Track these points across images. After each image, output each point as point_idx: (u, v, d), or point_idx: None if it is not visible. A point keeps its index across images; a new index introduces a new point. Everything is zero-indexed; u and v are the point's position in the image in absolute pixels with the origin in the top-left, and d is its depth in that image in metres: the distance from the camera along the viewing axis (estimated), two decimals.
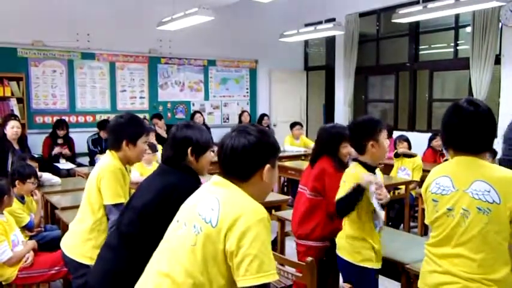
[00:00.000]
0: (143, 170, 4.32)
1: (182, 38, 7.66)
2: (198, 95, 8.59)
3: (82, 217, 2.46)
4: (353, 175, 2.41)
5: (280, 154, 5.26)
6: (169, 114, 8.19)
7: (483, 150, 1.86)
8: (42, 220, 3.91)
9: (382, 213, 2.43)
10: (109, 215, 2.35)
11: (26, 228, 3.51)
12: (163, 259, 1.52)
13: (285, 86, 9.44)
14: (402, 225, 5.00)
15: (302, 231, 2.96)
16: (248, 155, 1.51)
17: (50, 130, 6.58)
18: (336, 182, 2.84)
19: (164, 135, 6.82)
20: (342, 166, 2.89)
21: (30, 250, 3.17)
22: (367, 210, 2.40)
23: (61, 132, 6.50)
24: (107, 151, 2.50)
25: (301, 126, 7.43)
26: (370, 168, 2.47)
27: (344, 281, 2.46)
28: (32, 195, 3.85)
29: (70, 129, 6.70)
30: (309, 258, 2.33)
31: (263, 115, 8.47)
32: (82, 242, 2.39)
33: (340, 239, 2.53)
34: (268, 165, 1.54)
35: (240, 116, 8.47)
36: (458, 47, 7.14)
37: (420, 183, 4.65)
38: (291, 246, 3.34)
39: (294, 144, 7.24)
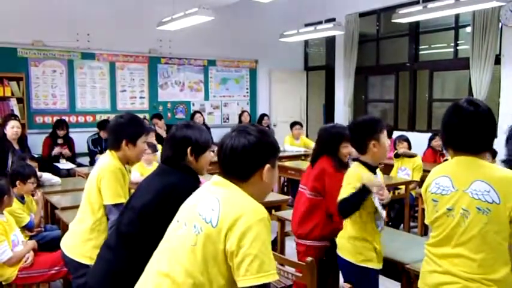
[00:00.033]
0: (143, 170, 4.32)
1: (182, 38, 7.66)
2: (198, 95, 8.59)
3: (82, 217, 2.46)
4: (356, 175, 2.40)
5: (280, 154, 5.26)
6: (169, 114, 8.19)
7: (483, 150, 1.86)
8: (42, 220, 3.91)
9: (383, 213, 2.44)
10: (109, 215, 2.35)
11: (26, 228, 3.51)
12: (163, 259, 1.52)
13: (285, 86, 9.44)
14: (402, 225, 5.00)
15: (302, 231, 2.96)
16: (248, 155, 1.51)
17: (50, 130, 6.58)
18: (336, 182, 2.83)
19: (164, 135, 6.82)
20: (342, 166, 2.90)
21: (30, 250, 3.17)
22: (369, 210, 2.40)
23: (61, 132, 6.49)
24: (107, 151, 2.50)
25: (301, 126, 7.43)
26: (371, 168, 2.47)
27: (344, 281, 2.46)
28: (33, 195, 3.85)
29: (70, 129, 6.69)
30: (309, 258, 2.33)
31: (263, 115, 8.47)
32: (82, 242, 2.39)
33: (341, 239, 2.52)
34: (268, 165, 1.54)
35: (240, 116, 8.47)
36: (458, 47, 7.14)
37: (420, 183, 4.65)
38: (291, 246, 3.35)
39: (293, 144, 7.24)
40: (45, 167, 5.18)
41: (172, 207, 1.64)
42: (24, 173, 3.62)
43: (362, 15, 8.14)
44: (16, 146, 5.03)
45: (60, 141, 6.48)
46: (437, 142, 5.83)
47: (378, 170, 2.59)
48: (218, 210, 1.43)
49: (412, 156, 5.34)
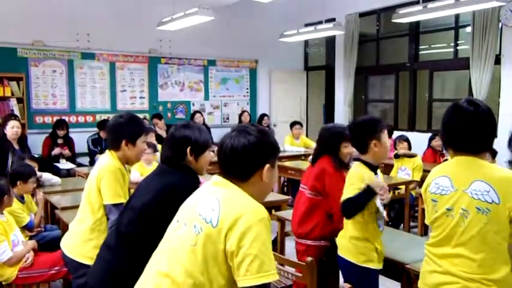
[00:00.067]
0: (143, 170, 4.32)
1: (182, 38, 7.66)
2: (198, 95, 8.59)
3: (82, 217, 2.46)
4: (359, 175, 2.39)
5: (280, 154, 5.26)
6: (169, 114, 8.19)
7: (483, 150, 1.86)
8: (42, 220, 3.91)
9: (384, 213, 2.44)
10: (109, 215, 2.35)
11: (26, 228, 3.51)
12: (163, 259, 1.52)
13: (285, 86, 9.44)
14: (402, 225, 5.00)
15: (302, 231, 2.96)
16: (248, 155, 1.51)
17: (50, 130, 6.58)
18: (336, 181, 2.84)
19: (164, 135, 6.82)
20: (343, 166, 2.90)
21: (30, 250, 3.17)
22: (371, 210, 2.40)
23: (61, 132, 6.49)
24: (106, 151, 2.50)
25: (301, 125, 7.43)
26: (373, 168, 2.47)
27: (345, 281, 2.45)
28: (33, 195, 3.85)
29: (70, 129, 6.69)
30: (309, 258, 2.34)
31: (263, 115, 8.47)
32: (82, 242, 2.39)
33: (342, 239, 2.52)
34: (267, 165, 1.54)
35: (240, 116, 8.47)
36: (458, 47, 7.14)
37: (420, 183, 4.65)
38: (291, 246, 3.35)
39: (294, 144, 7.24)
40: (45, 167, 5.18)
41: (172, 207, 1.64)
42: (25, 173, 3.62)
43: (362, 15, 8.14)
44: (16, 146, 5.03)
45: (60, 141, 6.48)
46: (437, 142, 5.83)
47: (378, 170, 2.59)
48: (218, 210, 1.43)
49: (412, 156, 5.34)
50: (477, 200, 1.75)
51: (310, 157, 5.99)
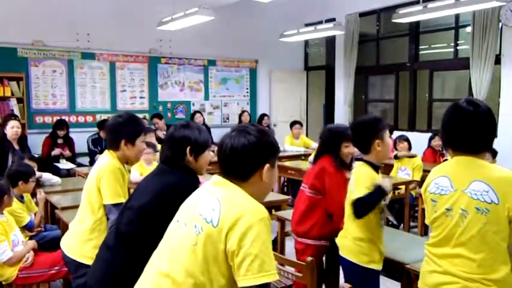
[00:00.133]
0: (143, 170, 4.32)
1: (182, 38, 7.66)
2: (198, 95, 8.59)
3: (82, 217, 2.46)
4: (369, 175, 2.39)
5: (280, 154, 5.26)
6: (169, 114, 8.19)
7: (483, 150, 1.86)
8: (42, 220, 3.91)
9: (389, 214, 2.46)
10: (109, 215, 2.35)
11: (26, 228, 3.51)
12: (164, 259, 1.52)
13: (285, 86, 9.44)
14: (402, 225, 5.00)
15: (301, 229, 2.97)
16: (248, 154, 1.51)
17: (50, 130, 6.57)
18: (336, 181, 2.84)
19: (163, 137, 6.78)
20: (343, 166, 2.90)
21: (30, 250, 3.17)
22: (376, 211, 2.40)
23: (61, 133, 6.49)
24: (106, 150, 2.50)
25: (301, 125, 7.42)
26: (375, 168, 2.47)
27: (346, 282, 2.45)
28: (33, 195, 3.85)
29: (70, 129, 6.69)
30: (309, 258, 2.34)
31: (263, 115, 8.47)
32: (82, 242, 2.39)
33: (344, 240, 2.51)
34: (267, 165, 1.54)
35: (240, 116, 8.47)
36: (458, 47, 7.14)
37: (420, 183, 4.65)
38: (291, 246, 3.34)
39: (294, 143, 7.24)
40: (45, 167, 5.18)
41: (172, 207, 1.63)
42: (26, 173, 3.62)
43: (362, 15, 8.14)
44: (16, 146, 5.03)
45: (60, 141, 6.48)
46: (437, 142, 5.84)
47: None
48: (219, 210, 1.43)
49: (412, 156, 5.34)
50: (476, 200, 1.75)
51: (311, 157, 6.03)
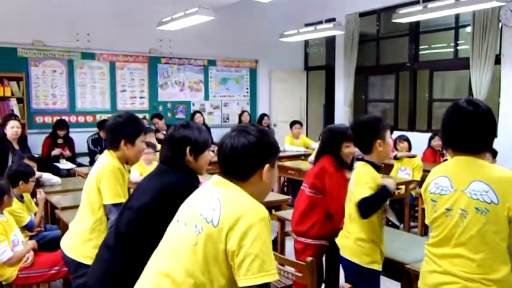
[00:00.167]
0: (143, 170, 4.31)
1: (182, 38, 7.66)
2: (198, 95, 8.59)
3: (82, 217, 2.46)
4: (372, 175, 2.39)
5: (280, 154, 5.26)
6: (169, 114, 8.19)
7: (482, 150, 1.86)
8: (42, 220, 3.91)
9: (393, 216, 2.47)
10: (109, 215, 2.35)
11: (27, 228, 3.51)
12: (164, 259, 1.52)
13: (285, 86, 9.44)
14: (402, 225, 5.00)
15: (300, 229, 2.97)
16: (248, 154, 1.51)
17: (50, 130, 6.57)
18: (336, 181, 2.85)
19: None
20: (344, 166, 2.90)
21: (30, 250, 3.17)
22: (378, 211, 2.40)
23: (61, 133, 6.49)
24: (105, 150, 2.50)
25: (301, 125, 7.43)
26: (377, 168, 2.47)
27: (346, 281, 2.45)
28: (33, 195, 3.85)
29: (70, 129, 6.69)
30: (309, 258, 2.34)
31: (263, 115, 8.47)
32: (82, 242, 2.39)
33: (346, 240, 2.51)
34: (267, 165, 1.54)
35: (240, 116, 8.47)
36: (458, 47, 7.14)
37: (420, 183, 4.65)
38: (291, 246, 3.34)
39: (294, 143, 7.24)
40: (45, 167, 5.18)
41: (172, 207, 1.63)
42: (26, 172, 3.62)
43: (362, 15, 8.14)
44: (16, 146, 5.03)
45: (60, 141, 6.48)
46: (437, 142, 5.84)
47: None
48: (219, 210, 1.43)
49: (412, 156, 5.34)
50: (476, 200, 1.75)
51: (311, 157, 6.03)
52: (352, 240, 2.45)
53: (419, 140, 6.16)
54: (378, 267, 2.42)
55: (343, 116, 8.52)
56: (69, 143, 6.59)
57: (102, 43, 7.39)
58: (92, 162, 6.34)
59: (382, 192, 2.32)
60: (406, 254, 2.59)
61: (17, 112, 6.50)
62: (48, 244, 3.42)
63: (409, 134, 5.89)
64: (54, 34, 6.96)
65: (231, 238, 1.38)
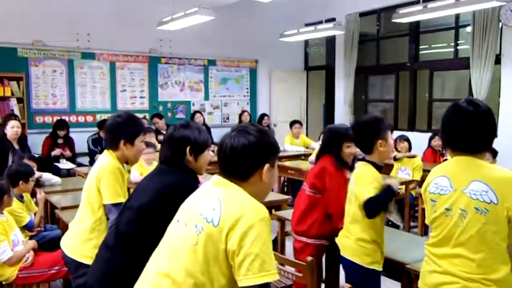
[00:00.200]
0: (143, 170, 4.31)
1: (182, 37, 7.66)
2: (198, 95, 8.59)
3: (82, 217, 2.46)
4: (375, 175, 2.40)
5: (280, 154, 5.26)
6: (169, 114, 8.19)
7: (482, 150, 1.86)
8: (42, 220, 3.91)
9: (397, 216, 2.47)
10: (108, 215, 2.35)
11: (27, 228, 3.51)
12: (164, 259, 1.52)
13: (285, 86, 9.44)
14: (402, 225, 5.00)
15: (300, 228, 2.97)
16: (248, 154, 1.51)
17: (50, 130, 6.58)
18: (336, 181, 2.85)
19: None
20: (344, 166, 2.90)
21: (30, 250, 3.17)
22: (382, 212, 2.40)
23: (61, 133, 6.49)
24: (105, 150, 2.50)
25: (301, 124, 7.42)
26: (378, 168, 2.47)
27: (347, 281, 2.45)
28: (33, 195, 3.85)
29: (70, 129, 6.69)
30: (309, 258, 2.34)
31: (263, 115, 8.47)
32: (82, 242, 2.39)
33: (347, 240, 2.51)
34: (267, 165, 1.54)
35: (240, 115, 8.47)
36: (458, 47, 7.13)
37: (420, 183, 4.65)
38: (291, 246, 3.34)
39: (294, 143, 7.24)
40: (45, 167, 5.19)
41: (172, 207, 1.64)
42: (26, 172, 3.62)
43: (362, 15, 8.14)
44: (16, 146, 5.03)
45: (60, 141, 6.48)
46: (437, 142, 5.84)
47: None
48: (219, 210, 1.43)
49: (412, 157, 5.34)
50: (475, 200, 1.75)
51: (311, 157, 6.03)
52: (353, 240, 2.45)
53: (419, 140, 6.16)
54: (379, 267, 2.43)
55: (343, 116, 8.51)
56: (69, 143, 6.59)
57: (102, 43, 7.39)
58: (92, 162, 6.34)
59: (387, 192, 2.33)
60: (406, 254, 2.59)
61: (17, 112, 6.50)
62: (48, 244, 3.42)
63: (409, 134, 5.89)
64: (54, 34, 6.96)
65: (232, 238, 1.38)
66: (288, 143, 7.22)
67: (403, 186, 5.01)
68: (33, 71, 6.94)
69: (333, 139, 2.99)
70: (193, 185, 1.85)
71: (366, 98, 8.70)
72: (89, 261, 2.27)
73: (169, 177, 1.97)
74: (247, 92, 9.17)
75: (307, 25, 8.12)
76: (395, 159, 5.37)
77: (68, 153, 6.43)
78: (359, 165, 2.51)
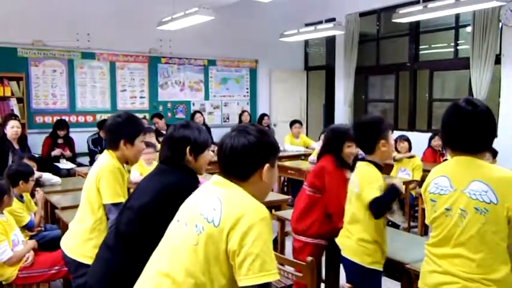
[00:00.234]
0: (143, 170, 4.31)
1: (182, 37, 7.66)
2: (198, 95, 8.59)
3: (82, 217, 2.46)
4: (377, 175, 2.40)
5: (281, 154, 5.26)
6: (169, 114, 8.19)
7: (482, 150, 1.86)
8: (42, 220, 3.91)
9: (400, 216, 2.48)
10: (108, 215, 2.35)
11: (27, 227, 3.51)
12: (164, 259, 1.52)
13: (285, 85, 9.44)
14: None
15: (300, 227, 2.98)
16: (247, 154, 1.51)
17: (50, 130, 6.58)
18: (336, 180, 2.85)
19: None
20: (344, 165, 2.91)
21: (31, 250, 3.17)
22: None
23: (61, 133, 6.49)
24: (105, 150, 2.50)
25: (301, 124, 7.43)
26: (379, 168, 2.47)
27: (347, 281, 2.45)
28: (32, 195, 3.85)
29: (70, 129, 6.69)
30: (309, 258, 2.34)
31: (263, 115, 8.47)
32: (83, 242, 2.39)
33: (348, 240, 2.51)
34: (267, 165, 1.54)
35: (240, 115, 8.47)
36: (458, 47, 7.13)
37: (420, 183, 4.65)
38: (291, 246, 3.34)
39: (294, 143, 7.24)
40: (45, 167, 5.19)
41: (172, 207, 1.64)
42: (26, 172, 3.62)
43: (362, 15, 8.14)
44: (16, 146, 5.04)
45: (60, 141, 6.48)
46: (437, 142, 5.84)
47: None
48: (220, 210, 1.43)
49: (410, 157, 5.35)
50: (475, 200, 1.75)
51: (311, 157, 6.03)
52: (355, 240, 2.45)
53: (419, 140, 6.16)
54: (379, 267, 2.43)
55: (343, 116, 8.51)
56: (69, 142, 6.59)
57: (102, 43, 7.39)
58: (92, 162, 6.34)
59: (392, 191, 2.33)
60: (406, 254, 2.59)
61: (17, 112, 6.50)
62: (48, 244, 3.42)
63: (409, 134, 5.89)
64: (54, 34, 6.96)
65: (232, 238, 1.38)
66: (288, 142, 7.22)
67: (403, 186, 5.02)
68: (33, 71, 6.94)
69: (334, 139, 2.99)
70: (193, 185, 1.85)
71: (366, 98, 8.69)
72: (89, 261, 2.27)
73: (169, 177, 1.97)
74: (247, 92, 9.17)
75: (307, 25, 8.12)
76: (394, 160, 5.37)
77: (68, 153, 6.43)
78: (360, 165, 2.51)
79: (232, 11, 7.88)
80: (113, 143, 2.44)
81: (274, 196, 4.18)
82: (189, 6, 5.57)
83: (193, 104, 8.52)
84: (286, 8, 8.31)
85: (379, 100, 8.88)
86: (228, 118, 8.93)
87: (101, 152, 6.30)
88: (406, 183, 4.99)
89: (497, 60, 6.34)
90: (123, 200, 2.29)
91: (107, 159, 2.42)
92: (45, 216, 4.24)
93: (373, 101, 8.83)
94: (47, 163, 5.96)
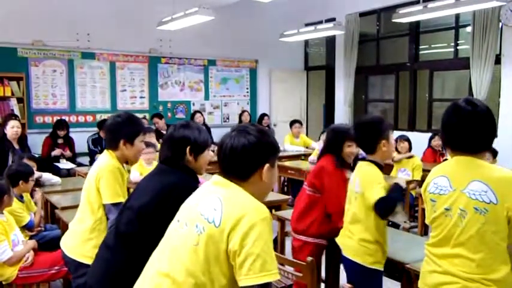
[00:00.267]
0: (143, 170, 4.31)
1: (182, 37, 7.66)
2: (198, 95, 8.59)
3: (82, 217, 2.46)
4: (380, 175, 2.41)
5: (281, 154, 5.26)
6: (169, 114, 8.19)
7: (482, 150, 1.86)
8: (42, 220, 3.91)
9: (403, 215, 2.48)
10: (108, 214, 2.35)
11: (27, 227, 3.51)
12: (164, 259, 1.52)
13: (285, 85, 9.44)
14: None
15: (300, 227, 2.98)
16: (248, 154, 1.51)
17: (50, 130, 6.58)
18: (336, 180, 2.85)
19: None
20: (344, 165, 2.91)
21: (30, 250, 3.17)
22: None
23: (61, 133, 6.49)
24: (104, 150, 2.51)
25: (301, 124, 7.43)
26: (380, 168, 2.47)
27: (348, 282, 2.45)
28: (32, 195, 3.85)
29: (70, 129, 6.69)
30: (309, 258, 2.34)
31: (263, 115, 8.47)
32: (82, 242, 2.39)
33: (349, 240, 2.50)
34: (267, 165, 1.54)
35: (240, 115, 8.47)
36: (458, 47, 7.13)
37: (420, 183, 4.65)
38: (290, 246, 3.34)
39: (294, 143, 7.24)
40: (45, 167, 5.18)
41: (172, 207, 1.64)
42: (26, 172, 3.62)
43: (362, 15, 8.14)
44: (16, 146, 5.04)
45: (60, 141, 6.48)
46: (437, 142, 5.84)
47: None
48: (221, 210, 1.43)
49: (409, 157, 5.35)
50: (475, 200, 1.75)
51: (311, 157, 6.03)
52: (356, 240, 2.45)
53: (419, 140, 6.16)
54: (381, 267, 2.43)
55: (343, 116, 8.51)
56: (69, 142, 6.59)
57: (102, 43, 7.39)
58: (92, 162, 6.33)
59: (396, 191, 2.33)
60: (406, 254, 2.59)
61: (17, 112, 6.50)
62: (48, 244, 3.42)
63: (409, 134, 5.89)
64: (54, 34, 6.96)
65: (233, 238, 1.38)
66: (288, 142, 7.22)
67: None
68: (33, 71, 6.94)
69: (334, 139, 2.99)
70: (193, 185, 1.85)
71: (366, 98, 8.69)
72: (89, 261, 2.27)
73: (169, 177, 1.97)
74: (247, 92, 9.17)
75: (307, 25, 8.12)
76: (393, 161, 5.37)
77: (68, 153, 6.43)
78: (361, 165, 2.51)
79: (232, 11, 7.88)
80: (113, 143, 2.44)
81: (274, 196, 4.18)
82: (189, 6, 5.57)
83: (193, 104, 8.52)
84: (286, 8, 8.31)
85: (379, 100, 8.88)
86: (228, 118, 8.93)
87: (101, 152, 6.30)
88: (406, 183, 4.98)
89: (497, 60, 6.34)
90: (123, 200, 2.29)
91: (106, 159, 2.43)
92: (45, 216, 4.24)
93: (373, 101, 8.83)
94: (47, 163, 5.96)
